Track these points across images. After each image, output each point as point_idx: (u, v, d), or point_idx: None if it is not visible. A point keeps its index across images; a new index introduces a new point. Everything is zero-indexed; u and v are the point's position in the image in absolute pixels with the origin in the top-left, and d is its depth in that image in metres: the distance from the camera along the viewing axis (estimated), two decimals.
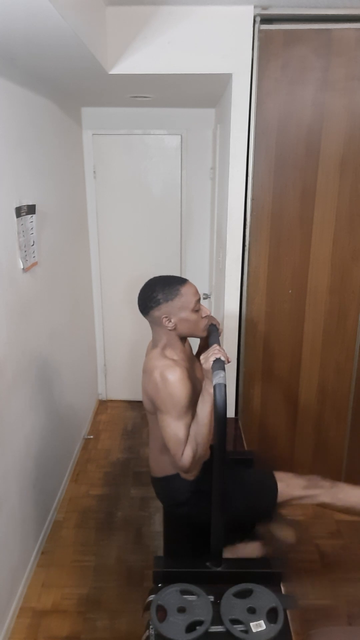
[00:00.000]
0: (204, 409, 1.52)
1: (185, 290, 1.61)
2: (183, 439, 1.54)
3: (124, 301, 3.72)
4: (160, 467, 1.74)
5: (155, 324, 1.65)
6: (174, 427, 1.54)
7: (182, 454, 1.54)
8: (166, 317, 1.60)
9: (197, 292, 1.64)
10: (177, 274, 3.62)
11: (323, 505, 1.83)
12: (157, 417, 1.60)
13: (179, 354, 1.66)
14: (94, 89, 2.59)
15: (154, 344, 1.70)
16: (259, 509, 1.79)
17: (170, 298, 1.59)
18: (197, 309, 1.63)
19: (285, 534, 1.89)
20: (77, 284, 3.21)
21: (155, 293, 1.60)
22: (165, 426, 1.55)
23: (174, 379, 1.53)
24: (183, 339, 1.70)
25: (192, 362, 1.75)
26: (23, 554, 2.19)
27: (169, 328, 1.62)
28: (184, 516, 1.78)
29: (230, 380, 2.59)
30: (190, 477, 1.62)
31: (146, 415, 1.76)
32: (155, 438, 1.70)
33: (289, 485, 1.79)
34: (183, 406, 1.54)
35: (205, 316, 1.67)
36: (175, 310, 1.60)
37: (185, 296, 1.60)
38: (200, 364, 1.52)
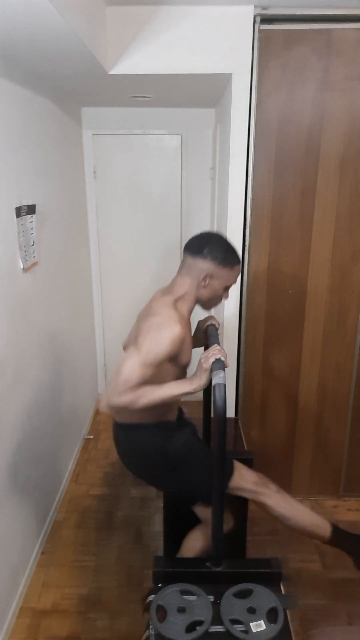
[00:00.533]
0: (172, 389, 1.50)
1: (237, 268, 1.65)
2: (133, 382, 1.47)
3: (124, 301, 3.72)
4: (136, 414, 1.71)
5: (189, 270, 1.63)
6: (136, 367, 1.48)
7: (121, 394, 1.48)
8: (208, 274, 1.60)
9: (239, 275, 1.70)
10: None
11: (261, 506, 1.84)
12: (129, 349, 1.55)
13: (187, 311, 1.65)
14: (94, 89, 2.59)
15: (168, 291, 1.67)
16: (210, 485, 1.79)
17: (224, 264, 1.60)
18: (227, 289, 1.68)
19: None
20: (77, 284, 3.21)
21: (219, 250, 1.60)
22: (128, 360, 1.50)
23: (170, 335, 1.50)
24: (194, 302, 1.70)
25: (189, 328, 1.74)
26: (23, 554, 2.19)
27: (201, 285, 1.62)
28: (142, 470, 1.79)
29: (230, 380, 2.59)
30: (106, 410, 1.56)
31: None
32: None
33: (241, 476, 1.80)
34: (157, 358, 1.49)
35: (223, 299, 1.71)
36: (217, 277, 1.61)
37: (233, 273, 1.64)
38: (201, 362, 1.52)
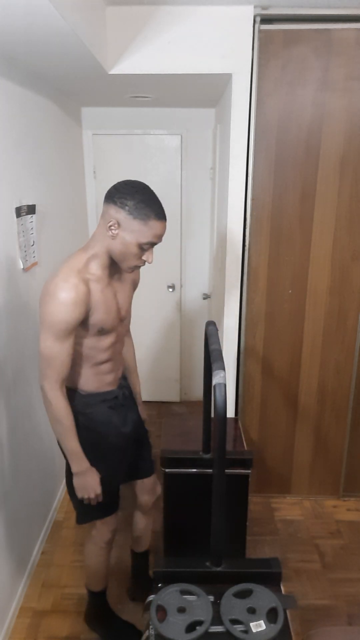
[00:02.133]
0: (73, 449, 1.52)
1: (152, 224, 1.44)
2: (57, 360, 1.44)
3: None
4: (72, 379, 1.65)
5: (102, 217, 1.50)
6: (49, 345, 1.44)
7: (52, 386, 1.46)
8: (115, 222, 1.44)
9: (160, 236, 1.48)
10: (177, 274, 3.62)
11: (87, 541, 1.91)
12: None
13: (101, 267, 1.53)
14: (94, 89, 2.59)
15: (84, 248, 1.55)
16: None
17: (135, 216, 1.42)
18: (144, 248, 1.48)
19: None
20: None
21: (131, 198, 1.42)
22: (40, 340, 1.45)
23: (65, 299, 1.40)
24: (107, 256, 1.54)
25: (115, 286, 1.61)
26: (23, 554, 2.19)
27: (109, 235, 1.47)
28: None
29: (230, 380, 2.59)
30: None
31: None
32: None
33: (105, 522, 1.81)
34: (65, 328, 1.43)
35: (143, 260, 1.52)
36: (127, 229, 1.44)
37: (147, 229, 1.44)
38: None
